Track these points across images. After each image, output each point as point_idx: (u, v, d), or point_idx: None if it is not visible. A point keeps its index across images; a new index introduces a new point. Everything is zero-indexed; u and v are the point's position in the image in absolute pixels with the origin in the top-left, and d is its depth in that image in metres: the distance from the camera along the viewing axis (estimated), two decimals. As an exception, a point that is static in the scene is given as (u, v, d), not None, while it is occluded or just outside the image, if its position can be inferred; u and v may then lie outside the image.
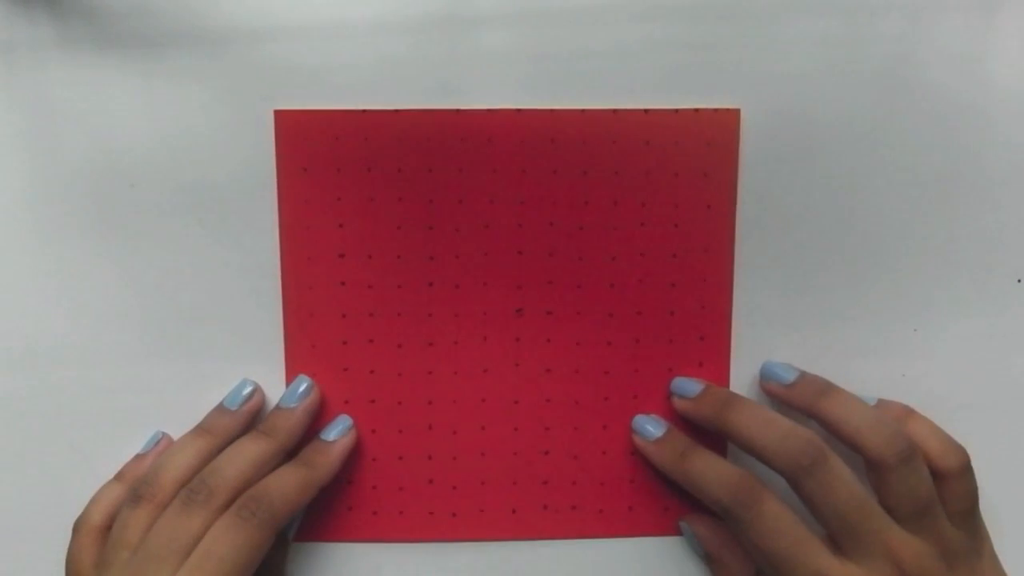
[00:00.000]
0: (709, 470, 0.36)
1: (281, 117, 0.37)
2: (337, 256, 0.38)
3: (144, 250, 0.38)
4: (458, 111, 0.37)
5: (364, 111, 0.37)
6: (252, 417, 0.37)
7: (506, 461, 0.39)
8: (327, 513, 0.39)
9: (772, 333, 0.39)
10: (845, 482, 0.33)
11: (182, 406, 0.38)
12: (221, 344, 0.38)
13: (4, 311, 0.38)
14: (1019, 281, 0.39)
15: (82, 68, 0.37)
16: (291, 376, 0.38)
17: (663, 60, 0.37)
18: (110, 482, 0.37)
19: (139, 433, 0.38)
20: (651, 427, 0.38)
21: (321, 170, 0.37)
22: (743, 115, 0.37)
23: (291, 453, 0.37)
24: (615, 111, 0.37)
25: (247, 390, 0.37)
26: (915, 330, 0.39)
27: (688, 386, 0.38)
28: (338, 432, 0.37)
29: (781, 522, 0.34)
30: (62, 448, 0.39)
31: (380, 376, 0.38)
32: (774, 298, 0.38)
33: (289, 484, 0.35)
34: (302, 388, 0.37)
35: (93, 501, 0.37)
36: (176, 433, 0.38)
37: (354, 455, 0.38)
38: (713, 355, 0.38)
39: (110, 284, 0.38)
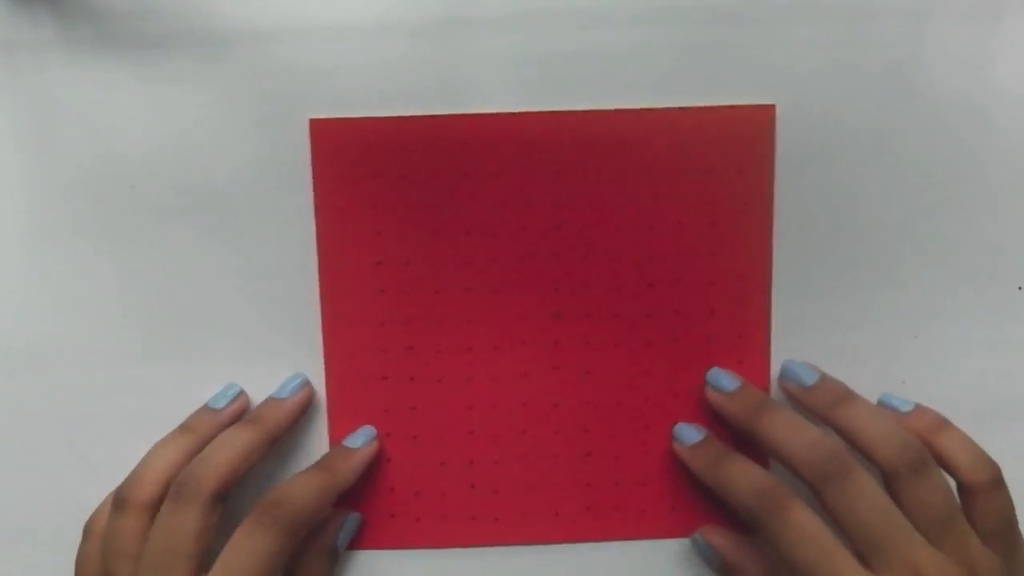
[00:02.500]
0: (741, 475, 0.35)
1: (316, 126, 0.37)
2: (374, 264, 0.38)
3: (163, 255, 0.38)
4: (493, 115, 0.37)
5: (398, 118, 0.37)
6: (236, 418, 0.37)
7: (547, 464, 0.39)
8: (370, 521, 0.39)
9: (810, 331, 0.38)
10: (869, 494, 0.33)
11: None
12: (259, 354, 0.38)
13: (11, 311, 0.38)
14: (1020, 288, 0.38)
15: (85, 69, 0.37)
16: (331, 384, 0.38)
17: (698, 58, 0.37)
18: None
19: (141, 435, 0.37)
20: (690, 432, 0.38)
21: (357, 178, 0.37)
22: (778, 112, 0.37)
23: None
24: (650, 109, 0.37)
25: (233, 391, 0.37)
26: (916, 337, 0.39)
27: (724, 380, 0.37)
28: (362, 441, 0.37)
29: (808, 531, 0.33)
30: (62, 449, 0.39)
31: (420, 383, 0.38)
32: (812, 296, 0.38)
33: (309, 489, 0.35)
34: (296, 381, 0.37)
35: (101, 505, 0.36)
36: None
37: (396, 463, 0.38)
38: (752, 353, 0.38)
39: (118, 287, 0.38)
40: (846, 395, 0.36)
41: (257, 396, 0.38)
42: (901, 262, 0.38)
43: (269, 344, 0.38)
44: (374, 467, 0.38)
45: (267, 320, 0.38)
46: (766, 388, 0.38)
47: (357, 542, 0.39)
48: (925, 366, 0.39)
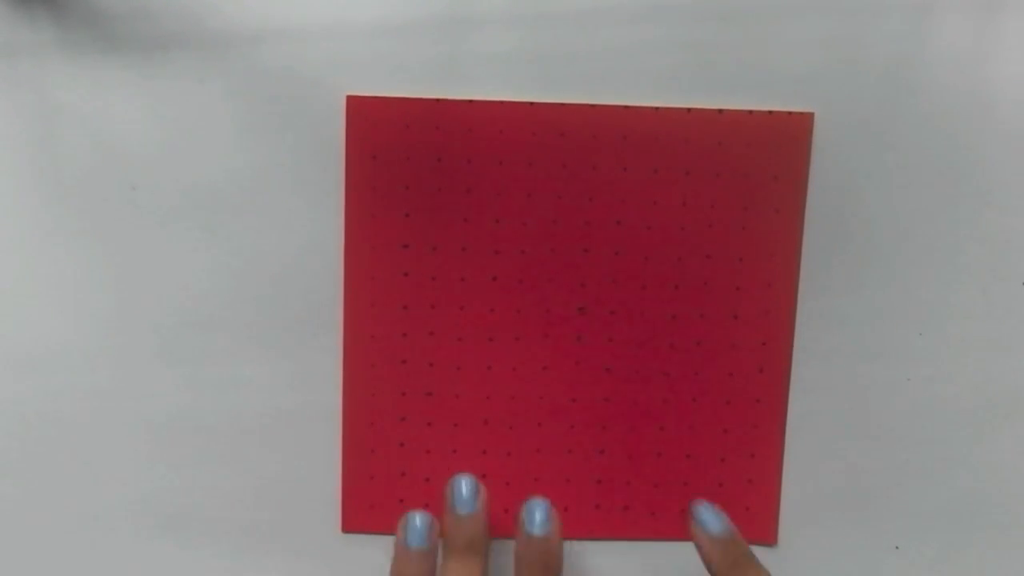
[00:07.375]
0: None
1: (352, 103, 0.36)
2: (401, 246, 0.37)
3: (167, 255, 0.37)
4: (531, 104, 0.36)
5: (437, 100, 0.36)
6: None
7: (560, 459, 0.38)
8: (378, 506, 0.38)
9: (815, 332, 0.38)
10: None
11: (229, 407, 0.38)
12: (273, 332, 0.38)
13: (12, 314, 0.37)
14: (1024, 284, 0.39)
15: (85, 71, 0.36)
16: (348, 367, 0.37)
17: (739, 60, 0.37)
18: None
19: (144, 439, 0.37)
20: (713, 522, 0.36)
21: (390, 158, 0.36)
22: (817, 119, 0.37)
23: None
24: (689, 110, 0.37)
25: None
26: (920, 334, 0.39)
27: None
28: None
29: None
30: (64, 453, 0.38)
31: (438, 369, 0.38)
32: (818, 297, 0.38)
33: None
34: (471, 489, 0.36)
35: None
36: (216, 441, 0.38)
37: (408, 447, 0.38)
38: (774, 361, 0.38)
39: (120, 290, 0.37)
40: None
41: (273, 392, 0.38)
42: (904, 259, 0.38)
43: (285, 336, 0.38)
44: (387, 451, 0.38)
45: (283, 310, 0.37)
46: (786, 399, 0.38)
47: (364, 526, 0.38)
48: (930, 364, 0.39)
